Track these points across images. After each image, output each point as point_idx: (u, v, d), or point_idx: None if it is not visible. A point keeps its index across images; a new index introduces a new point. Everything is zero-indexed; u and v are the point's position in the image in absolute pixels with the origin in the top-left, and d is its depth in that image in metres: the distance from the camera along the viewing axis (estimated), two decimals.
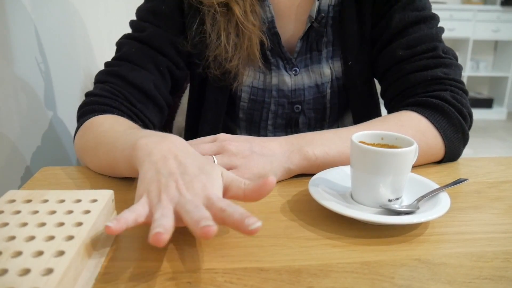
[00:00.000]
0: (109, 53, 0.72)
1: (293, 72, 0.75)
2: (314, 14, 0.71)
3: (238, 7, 0.68)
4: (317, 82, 0.76)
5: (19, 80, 0.69)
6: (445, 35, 0.70)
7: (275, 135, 0.72)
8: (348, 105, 0.79)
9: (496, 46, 4.21)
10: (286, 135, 0.60)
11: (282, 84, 0.76)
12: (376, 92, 0.82)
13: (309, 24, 0.72)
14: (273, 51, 0.74)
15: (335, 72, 0.75)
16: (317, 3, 0.71)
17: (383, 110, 0.76)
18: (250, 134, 0.81)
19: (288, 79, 0.75)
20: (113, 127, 0.57)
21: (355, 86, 0.76)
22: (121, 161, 0.49)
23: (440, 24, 0.71)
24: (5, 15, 0.66)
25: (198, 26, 0.71)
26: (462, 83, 0.66)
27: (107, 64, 0.70)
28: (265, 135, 0.80)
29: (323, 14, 0.71)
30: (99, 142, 0.56)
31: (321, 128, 0.81)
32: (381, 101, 0.79)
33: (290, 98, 0.77)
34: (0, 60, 0.63)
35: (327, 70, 0.75)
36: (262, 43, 0.72)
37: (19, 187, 0.56)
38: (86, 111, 0.63)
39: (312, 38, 0.73)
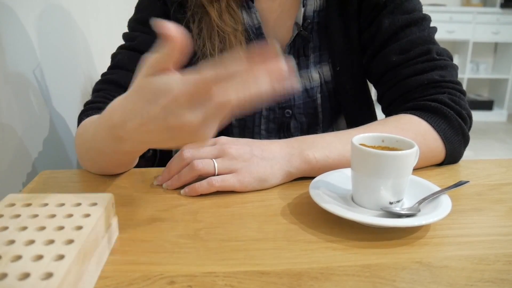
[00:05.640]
0: (108, 59, 0.74)
1: None
2: (300, 21, 0.71)
3: (213, 9, 0.69)
4: (306, 86, 0.76)
5: (21, 84, 0.70)
6: (444, 38, 0.70)
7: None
8: (341, 109, 0.79)
9: (496, 48, 4.21)
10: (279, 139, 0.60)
11: None
12: (371, 97, 0.82)
13: (297, 32, 0.72)
14: None
15: (324, 77, 0.75)
16: (302, 9, 0.71)
17: (379, 115, 0.76)
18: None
19: None
20: (91, 126, 0.56)
21: (345, 90, 0.76)
22: (109, 150, 0.49)
23: (439, 27, 0.71)
24: (7, 21, 0.66)
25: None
26: (459, 84, 0.66)
27: (102, 75, 0.72)
28: None
29: (309, 20, 0.72)
30: (88, 147, 0.56)
31: (315, 132, 0.80)
32: (378, 106, 0.78)
33: (280, 103, 0.77)
34: (2, 64, 0.63)
35: (315, 75, 0.75)
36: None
37: (20, 191, 0.56)
38: (81, 119, 0.63)
39: (299, 44, 0.74)
